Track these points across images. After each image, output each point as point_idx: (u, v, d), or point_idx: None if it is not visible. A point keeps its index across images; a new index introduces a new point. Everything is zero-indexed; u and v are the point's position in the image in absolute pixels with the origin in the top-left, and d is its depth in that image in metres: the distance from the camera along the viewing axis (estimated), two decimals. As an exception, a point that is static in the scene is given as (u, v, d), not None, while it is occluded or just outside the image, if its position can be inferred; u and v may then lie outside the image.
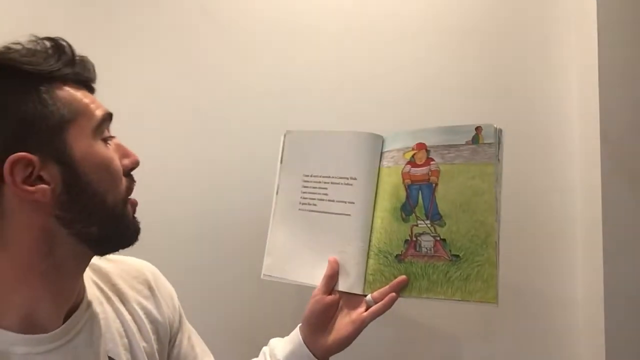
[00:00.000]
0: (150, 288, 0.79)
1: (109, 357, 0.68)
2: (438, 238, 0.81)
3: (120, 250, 0.68)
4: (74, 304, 0.67)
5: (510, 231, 1.05)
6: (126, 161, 0.67)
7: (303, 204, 0.92)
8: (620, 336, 1.01)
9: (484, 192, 0.78)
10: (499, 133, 0.78)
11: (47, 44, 0.62)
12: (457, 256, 0.79)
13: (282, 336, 0.89)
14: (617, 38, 1.05)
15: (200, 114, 1.16)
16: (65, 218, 0.60)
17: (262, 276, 0.92)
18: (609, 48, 1.05)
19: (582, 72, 1.10)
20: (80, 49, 0.64)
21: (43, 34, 0.61)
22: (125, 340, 0.72)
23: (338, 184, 0.89)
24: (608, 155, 1.03)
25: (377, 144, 0.89)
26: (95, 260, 0.73)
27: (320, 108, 1.14)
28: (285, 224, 0.92)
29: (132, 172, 0.68)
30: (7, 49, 0.60)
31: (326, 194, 0.90)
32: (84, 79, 0.64)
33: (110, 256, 0.75)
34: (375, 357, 1.12)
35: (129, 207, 0.67)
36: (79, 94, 0.62)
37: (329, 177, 0.90)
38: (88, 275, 0.72)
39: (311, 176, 0.92)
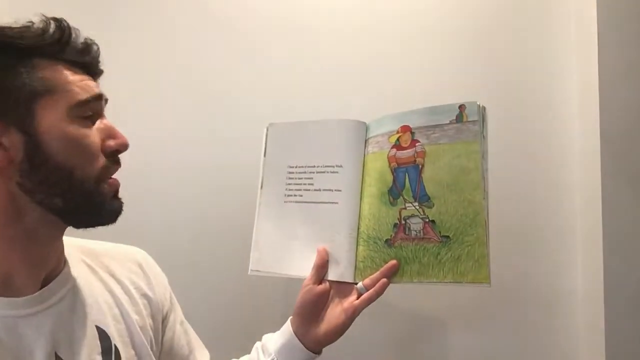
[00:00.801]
0: (140, 267, 0.80)
1: (97, 327, 0.69)
2: (427, 220, 0.79)
3: (107, 233, 0.70)
4: (52, 273, 0.68)
5: (510, 231, 1.08)
6: (111, 142, 0.67)
7: (289, 195, 0.90)
8: (620, 336, 1.01)
9: (471, 170, 0.77)
10: (482, 110, 0.78)
11: (52, 23, 0.64)
12: (447, 237, 0.78)
13: (273, 331, 0.87)
14: (617, 38, 1.05)
15: (199, 114, 1.16)
16: (27, 186, 0.62)
17: (249, 272, 0.90)
18: (609, 48, 1.04)
19: (582, 72, 1.09)
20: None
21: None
22: (116, 310, 0.73)
23: (324, 172, 0.88)
24: (608, 155, 1.03)
25: (361, 130, 0.88)
26: (86, 243, 0.78)
27: (322, 108, 1.14)
28: (272, 217, 0.91)
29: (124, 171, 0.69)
30: (6, 25, 0.63)
31: (312, 184, 0.89)
32: (81, 61, 0.66)
33: (101, 242, 0.80)
34: (368, 350, 1.11)
35: (106, 186, 0.67)
36: (66, 73, 0.64)
37: (314, 166, 0.89)
38: (77, 255, 0.74)
39: (296, 167, 0.90)
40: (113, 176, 0.68)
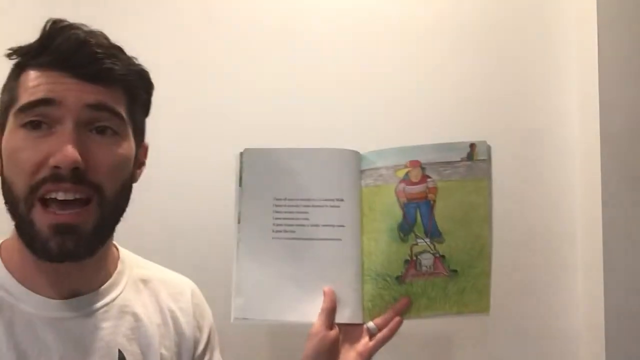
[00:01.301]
0: (187, 301, 0.76)
1: (119, 350, 0.65)
2: (437, 255, 0.81)
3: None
4: (88, 286, 0.66)
5: (510, 231, 1.08)
6: (52, 158, 0.58)
7: (277, 231, 0.81)
8: (620, 336, 1.00)
9: (479, 206, 0.81)
10: (489, 150, 0.82)
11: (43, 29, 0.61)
12: (455, 271, 0.81)
13: None
14: (617, 38, 1.03)
15: (200, 114, 1.07)
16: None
17: (232, 320, 0.79)
18: (609, 48, 1.03)
19: (582, 72, 1.08)
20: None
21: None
22: (144, 340, 0.68)
23: (322, 206, 0.81)
24: (608, 155, 1.02)
25: (357, 161, 0.83)
26: (143, 261, 0.76)
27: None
28: (256, 256, 0.80)
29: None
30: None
31: (307, 219, 0.81)
32: (66, 64, 0.59)
33: (157, 266, 0.78)
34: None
35: (39, 214, 0.58)
36: (31, 77, 0.60)
37: (309, 199, 0.81)
38: (132, 272, 0.72)
39: (285, 199, 0.82)
40: (63, 201, 0.58)
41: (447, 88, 1.10)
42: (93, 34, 0.62)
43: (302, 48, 1.10)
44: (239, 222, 0.81)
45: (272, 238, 0.81)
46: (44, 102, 0.58)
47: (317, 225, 0.81)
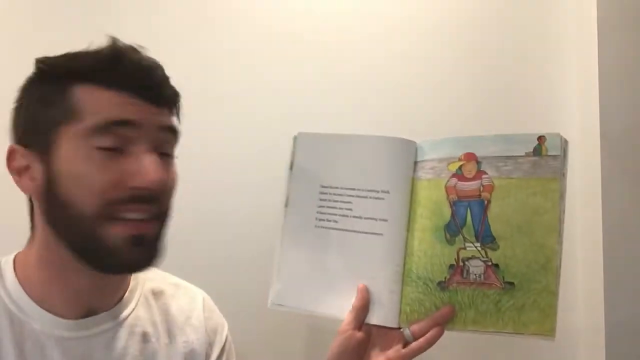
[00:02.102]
0: (197, 316, 0.75)
1: None
2: (489, 263, 0.70)
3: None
4: (101, 306, 0.66)
5: None
6: (136, 178, 0.59)
7: (321, 219, 0.78)
8: (620, 336, 1.00)
9: (547, 211, 0.68)
10: (564, 144, 0.68)
11: (106, 47, 0.61)
12: (512, 283, 0.69)
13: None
14: (617, 38, 1.05)
15: (203, 114, 1.03)
16: (48, 219, 0.61)
17: (269, 305, 0.78)
18: (609, 48, 1.04)
19: (582, 72, 1.09)
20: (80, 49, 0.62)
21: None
22: None
23: (366, 197, 0.76)
24: (608, 155, 1.02)
25: (410, 151, 0.76)
26: (156, 275, 0.75)
27: (328, 109, 1.07)
28: (299, 243, 0.79)
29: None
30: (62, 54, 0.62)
31: (350, 209, 0.77)
32: (134, 86, 0.60)
33: (169, 277, 0.77)
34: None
35: (113, 229, 0.58)
36: (102, 96, 0.59)
37: (354, 189, 0.77)
38: (144, 287, 0.72)
39: (330, 187, 0.78)
40: (141, 219, 0.59)
41: (445, 89, 1.10)
42: (152, 58, 0.63)
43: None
44: (286, 206, 0.80)
45: (315, 226, 0.78)
46: (124, 123, 0.59)
47: (359, 217, 0.76)
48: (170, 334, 0.71)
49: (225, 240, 1.03)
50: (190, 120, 0.98)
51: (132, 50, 0.61)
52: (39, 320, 0.62)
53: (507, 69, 1.10)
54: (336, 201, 0.78)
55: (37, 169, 0.60)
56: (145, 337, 0.68)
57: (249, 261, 1.00)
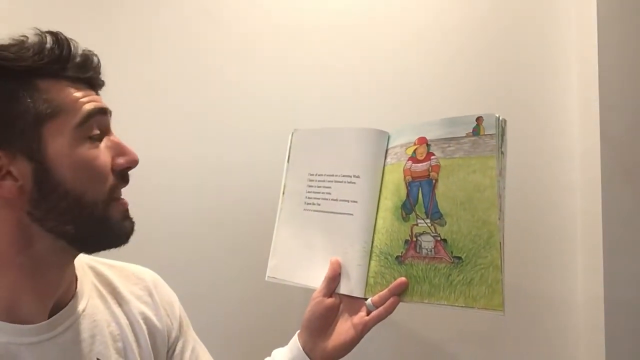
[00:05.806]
0: (150, 294, 0.77)
1: (97, 359, 0.67)
2: (439, 238, 0.75)
3: (119, 253, 0.66)
4: (61, 300, 0.66)
5: (510, 230, 0.99)
6: (121, 159, 0.64)
7: (308, 203, 0.89)
8: (620, 336, 1.00)
9: (486, 187, 0.71)
10: (502, 123, 0.72)
11: (47, 38, 0.60)
12: (459, 258, 0.73)
13: (286, 340, 0.86)
14: (617, 38, 1.04)
15: (202, 113, 1.13)
16: (37, 215, 0.59)
17: (266, 278, 0.90)
18: (609, 48, 1.03)
19: (582, 72, 1.08)
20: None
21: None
22: (120, 344, 0.70)
23: (341, 182, 0.86)
24: (608, 155, 1.02)
25: (382, 140, 0.84)
26: (97, 264, 0.75)
27: (324, 108, 1.12)
28: (291, 225, 0.90)
29: (130, 172, 0.66)
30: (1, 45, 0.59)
31: (329, 193, 0.87)
32: (83, 76, 0.62)
33: (111, 261, 0.77)
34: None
35: (114, 208, 0.63)
36: (69, 91, 0.60)
37: (333, 175, 0.87)
38: (89, 278, 0.72)
39: (316, 175, 0.89)
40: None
41: (445, 89, 1.10)
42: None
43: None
44: (283, 194, 0.92)
45: (304, 210, 0.89)
46: (101, 111, 0.63)
47: (336, 200, 0.86)
48: (130, 316, 0.73)
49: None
50: (190, 121, 1.10)
51: (69, 40, 0.62)
52: (5, 333, 0.60)
53: (507, 69, 1.10)
54: (319, 187, 0.88)
55: (21, 168, 0.58)
56: (107, 323, 0.70)
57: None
